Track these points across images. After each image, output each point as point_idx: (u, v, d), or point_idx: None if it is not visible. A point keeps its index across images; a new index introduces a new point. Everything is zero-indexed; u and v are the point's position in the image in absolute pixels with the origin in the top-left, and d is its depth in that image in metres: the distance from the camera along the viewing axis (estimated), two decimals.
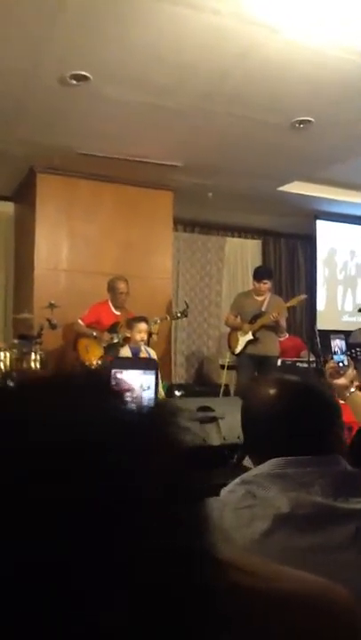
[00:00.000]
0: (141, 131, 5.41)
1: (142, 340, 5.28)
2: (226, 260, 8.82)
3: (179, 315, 5.98)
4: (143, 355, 5.36)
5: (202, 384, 8.05)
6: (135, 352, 5.23)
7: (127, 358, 5.04)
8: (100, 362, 5.66)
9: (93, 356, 5.71)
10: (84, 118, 5.16)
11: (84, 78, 4.37)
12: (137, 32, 3.82)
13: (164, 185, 6.81)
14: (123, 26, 3.75)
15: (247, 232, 8.95)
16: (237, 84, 4.53)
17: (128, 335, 5.59)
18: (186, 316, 6.04)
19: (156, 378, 0.92)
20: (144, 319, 5.39)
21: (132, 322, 5.51)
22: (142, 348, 5.42)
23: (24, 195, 6.87)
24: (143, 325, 5.31)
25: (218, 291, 8.76)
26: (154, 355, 5.39)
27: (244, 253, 8.94)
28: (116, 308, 5.94)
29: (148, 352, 5.35)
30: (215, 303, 8.73)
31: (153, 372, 0.94)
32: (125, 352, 5.29)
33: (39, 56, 4.14)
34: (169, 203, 6.98)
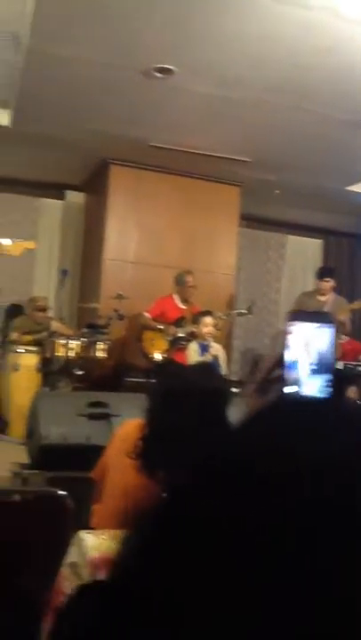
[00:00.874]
0: (215, 124, 5.41)
1: (208, 334, 5.27)
2: (287, 258, 8.74)
3: (245, 311, 5.97)
4: (213, 351, 5.32)
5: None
6: (203, 347, 5.22)
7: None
8: (164, 355, 5.71)
9: (158, 349, 5.75)
10: (160, 111, 5.19)
11: (169, 72, 4.40)
12: (225, 25, 3.81)
13: (232, 180, 6.79)
14: (212, 19, 3.75)
15: (309, 231, 8.85)
16: (317, 80, 4.47)
17: (194, 330, 5.61)
18: (251, 313, 6.02)
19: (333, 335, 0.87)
20: (210, 313, 5.39)
21: (197, 316, 5.53)
22: (211, 343, 5.40)
23: (95, 185, 6.96)
24: (209, 319, 5.31)
25: (277, 288, 8.70)
26: (222, 351, 5.38)
27: (305, 252, 8.84)
28: (183, 301, 5.96)
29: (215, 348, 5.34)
30: (273, 301, 8.67)
31: (330, 325, 0.90)
32: (193, 348, 5.29)
33: (128, 49, 4.19)
34: (236, 198, 6.96)
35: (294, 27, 3.82)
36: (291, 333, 0.77)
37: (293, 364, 0.77)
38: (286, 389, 0.77)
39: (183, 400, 1.82)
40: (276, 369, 0.79)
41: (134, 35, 3.99)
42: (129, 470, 1.94)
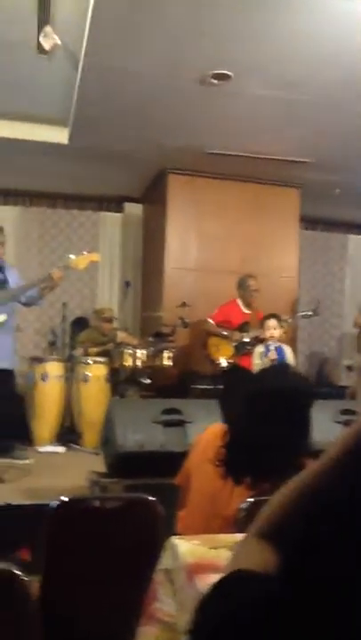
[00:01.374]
0: (273, 127, 5.37)
1: (272, 337, 5.22)
2: (349, 259, 8.57)
3: (310, 313, 5.87)
4: (271, 355, 5.26)
5: (324, 385, 7.87)
6: (268, 350, 5.16)
7: None
8: (230, 361, 5.69)
9: (224, 355, 5.73)
10: (217, 117, 5.19)
11: (226, 77, 4.39)
12: (279, 25, 3.76)
13: (291, 182, 6.72)
14: (266, 19, 3.71)
15: None
16: None
17: (258, 335, 5.57)
18: (317, 314, 5.91)
19: None
20: (274, 316, 5.34)
21: (263, 320, 5.49)
22: (272, 347, 5.34)
23: (154, 196, 7.04)
24: (272, 322, 5.26)
25: (340, 289, 8.53)
26: (290, 353, 5.31)
27: None
28: (246, 306, 5.92)
29: (283, 350, 5.26)
30: (338, 302, 8.51)
31: None
32: (258, 352, 5.26)
33: (182, 59, 4.21)
34: (296, 200, 6.88)
35: (352, 22, 3.75)
36: None
37: None
38: None
39: (265, 403, 1.80)
40: None
41: (188, 42, 4.00)
42: (213, 476, 1.93)
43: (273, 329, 5.27)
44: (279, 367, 2.05)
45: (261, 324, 5.47)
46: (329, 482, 0.47)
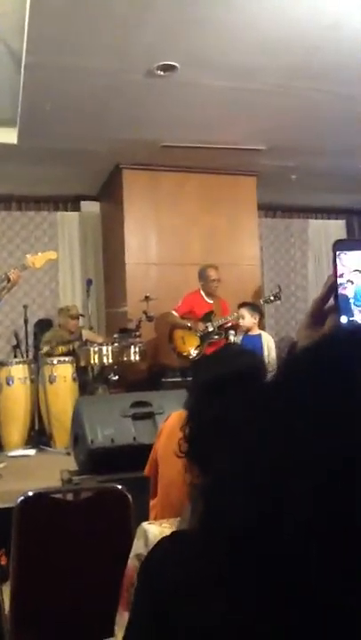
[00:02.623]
0: (225, 116, 5.38)
1: (243, 327, 5.24)
2: (310, 243, 8.66)
3: (272, 298, 5.90)
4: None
5: None
6: (248, 340, 5.16)
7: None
8: (197, 351, 5.70)
9: (190, 346, 5.74)
10: (168, 109, 5.18)
11: (172, 68, 4.39)
12: (222, 14, 3.78)
13: (247, 170, 6.76)
14: (209, 8, 3.72)
15: (330, 213, 8.76)
16: (326, 59, 4.41)
17: (223, 323, 5.61)
18: (280, 299, 5.95)
19: None
20: (243, 304, 5.36)
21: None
22: (232, 337, 5.36)
23: (110, 192, 6.99)
24: (241, 311, 5.28)
25: (304, 274, 8.62)
26: (271, 341, 5.32)
27: (328, 235, 8.74)
28: (208, 296, 5.94)
29: (254, 340, 5.27)
30: (302, 287, 8.59)
31: None
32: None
33: (126, 52, 4.18)
34: (252, 188, 6.92)
35: (295, 7, 3.77)
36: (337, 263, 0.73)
37: (345, 296, 0.74)
38: (341, 320, 0.74)
39: (217, 386, 1.79)
40: (328, 299, 0.75)
41: (130, 36, 3.98)
42: (179, 463, 1.93)
43: (241, 318, 5.28)
44: (226, 349, 2.04)
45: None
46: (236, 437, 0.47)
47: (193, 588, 0.41)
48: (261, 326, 5.85)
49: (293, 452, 0.38)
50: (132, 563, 1.56)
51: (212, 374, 1.87)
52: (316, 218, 8.75)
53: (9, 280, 4.42)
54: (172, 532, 0.60)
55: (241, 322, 5.17)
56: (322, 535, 0.35)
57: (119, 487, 1.66)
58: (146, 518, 1.97)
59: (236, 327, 5.37)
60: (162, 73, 4.46)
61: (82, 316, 6.17)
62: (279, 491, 0.36)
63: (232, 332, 5.23)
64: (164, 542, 0.51)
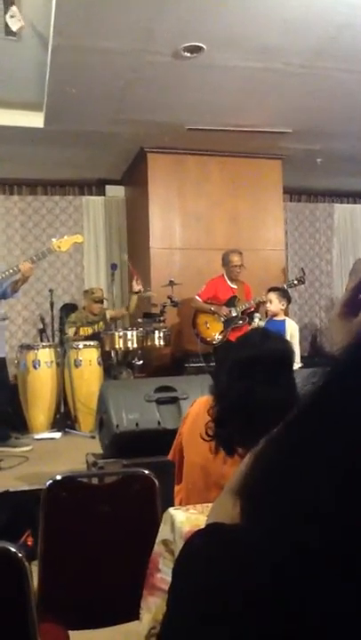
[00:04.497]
0: (251, 99, 5.31)
1: (271, 311, 5.19)
2: (336, 228, 8.56)
3: (295, 282, 5.84)
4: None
5: (317, 355, 7.90)
6: (273, 325, 5.11)
7: None
8: (220, 336, 5.69)
9: (214, 331, 5.73)
10: (194, 92, 5.13)
11: (198, 49, 4.33)
12: None
13: (273, 154, 6.67)
14: None
15: (357, 197, 8.63)
16: (354, 39, 4.31)
17: (247, 308, 5.58)
18: (303, 282, 5.88)
19: None
20: (271, 289, 5.30)
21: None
22: (256, 321, 5.30)
23: (134, 176, 6.97)
24: (269, 295, 5.23)
25: (328, 259, 8.53)
26: (295, 328, 5.26)
27: (355, 219, 8.63)
28: (232, 281, 5.91)
29: (278, 324, 5.22)
30: (326, 272, 8.51)
31: None
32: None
33: (153, 33, 4.14)
34: (278, 172, 6.84)
35: None
36: None
37: None
38: None
39: (247, 368, 1.78)
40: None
41: (157, 16, 3.93)
42: (205, 448, 1.93)
43: (268, 302, 5.22)
44: (255, 333, 2.03)
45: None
46: (281, 437, 0.47)
47: (246, 584, 0.41)
48: (285, 312, 5.81)
49: None
50: (158, 548, 1.57)
51: (242, 356, 1.87)
52: (341, 202, 8.63)
53: (20, 271, 4.45)
54: (211, 526, 0.60)
55: (268, 306, 5.13)
56: None
57: (146, 472, 1.67)
58: (168, 502, 1.98)
59: (260, 311, 5.32)
60: (188, 54, 4.41)
61: (105, 299, 6.20)
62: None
63: (258, 315, 5.19)
64: (203, 536, 0.51)
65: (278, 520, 0.40)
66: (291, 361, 1.79)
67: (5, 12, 3.94)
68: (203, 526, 0.58)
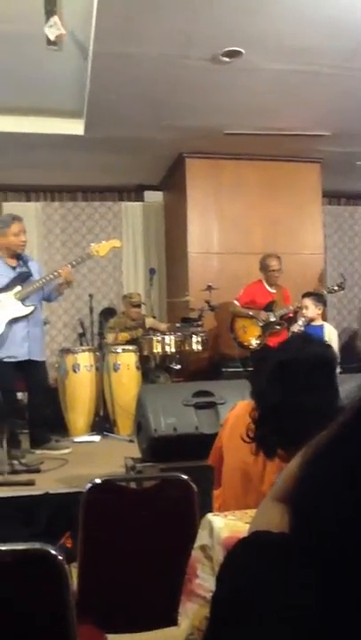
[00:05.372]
0: (289, 102, 5.28)
1: (307, 317, 5.14)
2: None
3: (336, 288, 5.77)
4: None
5: (355, 360, 7.76)
6: (311, 330, 5.06)
7: None
8: (258, 341, 5.65)
9: (251, 336, 5.70)
10: (232, 96, 5.13)
11: (237, 54, 4.33)
12: None
13: (311, 157, 6.62)
14: None
15: None
16: None
17: (285, 313, 5.55)
18: (343, 288, 5.81)
19: None
20: (307, 294, 5.26)
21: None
22: (297, 328, 5.25)
23: (173, 182, 7.01)
24: (305, 301, 5.18)
25: None
26: (334, 332, 5.20)
27: None
28: (270, 285, 5.87)
29: (317, 329, 5.16)
30: None
31: None
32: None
33: (192, 39, 4.16)
34: (316, 175, 6.78)
35: None
36: None
37: None
38: None
39: (290, 372, 1.77)
40: None
41: (196, 21, 3.95)
42: (245, 452, 1.92)
43: (304, 308, 5.17)
44: (297, 337, 2.01)
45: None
46: (334, 447, 0.46)
47: (289, 591, 0.41)
48: (323, 317, 5.74)
49: None
50: (197, 553, 1.57)
51: (283, 358, 1.86)
52: None
53: (60, 276, 4.55)
54: (257, 534, 0.60)
55: (305, 312, 5.07)
56: None
57: (184, 477, 1.67)
58: (206, 506, 1.98)
59: (298, 317, 5.28)
60: (227, 59, 4.42)
61: (143, 304, 6.24)
62: None
63: (300, 322, 5.14)
64: (249, 544, 0.51)
65: (336, 531, 0.40)
66: (333, 365, 1.77)
67: (46, 22, 4.01)
68: (244, 534, 0.57)
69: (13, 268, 4.58)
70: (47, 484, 3.53)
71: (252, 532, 0.60)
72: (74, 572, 1.63)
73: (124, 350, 5.57)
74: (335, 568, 0.38)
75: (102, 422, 5.44)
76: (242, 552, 0.51)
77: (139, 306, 6.14)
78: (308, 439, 0.51)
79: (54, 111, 5.58)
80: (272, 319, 5.62)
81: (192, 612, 1.48)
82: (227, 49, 4.27)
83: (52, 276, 4.58)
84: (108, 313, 6.99)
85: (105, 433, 5.33)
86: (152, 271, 6.41)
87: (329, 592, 0.38)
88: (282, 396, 1.70)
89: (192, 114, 5.45)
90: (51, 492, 3.31)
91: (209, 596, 1.54)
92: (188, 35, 4.12)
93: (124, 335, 5.87)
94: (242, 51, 4.30)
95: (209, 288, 5.75)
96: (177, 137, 5.98)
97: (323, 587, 0.39)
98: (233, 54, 4.34)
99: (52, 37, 4.01)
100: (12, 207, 7.11)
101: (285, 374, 1.71)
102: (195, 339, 5.51)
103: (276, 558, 0.45)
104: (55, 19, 3.97)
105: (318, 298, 5.19)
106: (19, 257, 4.60)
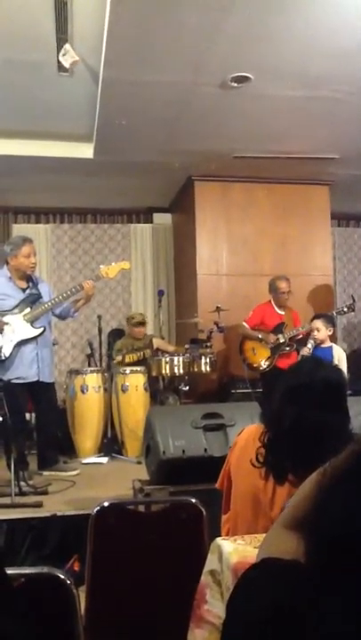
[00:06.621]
0: (298, 126, 5.33)
1: (318, 338, 5.12)
2: None
3: (345, 310, 5.76)
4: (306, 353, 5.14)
5: None
6: (320, 352, 5.03)
7: None
8: (267, 363, 5.64)
9: (261, 358, 5.69)
10: (241, 120, 5.19)
11: (246, 79, 4.39)
12: (294, 22, 3.74)
13: (320, 179, 6.66)
14: (280, 19, 3.70)
15: None
16: None
17: (294, 335, 5.54)
18: (353, 310, 5.81)
19: None
20: (317, 316, 5.25)
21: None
22: (306, 349, 5.23)
23: (182, 204, 7.07)
24: (315, 323, 5.17)
25: None
26: (343, 354, 5.18)
27: None
28: (280, 307, 5.87)
29: (326, 351, 5.14)
30: None
31: None
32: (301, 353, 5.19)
33: (201, 65, 4.22)
34: (325, 197, 6.82)
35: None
36: None
37: None
38: None
39: (300, 396, 1.77)
40: None
41: (205, 48, 4.01)
42: (254, 477, 1.91)
43: (316, 330, 5.15)
44: (308, 360, 2.02)
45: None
46: (354, 471, 0.46)
47: (322, 620, 0.40)
48: (333, 338, 5.72)
49: None
50: (206, 578, 1.55)
51: (294, 383, 1.86)
52: None
53: (83, 289, 4.57)
54: (268, 560, 0.59)
55: (316, 334, 5.06)
56: None
57: (193, 501, 1.66)
58: (215, 531, 1.96)
59: (308, 339, 5.25)
60: (236, 85, 4.48)
61: (145, 322, 6.22)
62: None
63: (309, 345, 5.11)
64: (261, 570, 0.51)
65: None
66: (343, 389, 1.77)
67: (58, 51, 4.10)
68: (254, 559, 0.57)
69: (23, 289, 4.61)
70: (55, 506, 3.52)
71: (265, 559, 0.60)
72: (81, 595, 1.61)
73: (132, 371, 5.57)
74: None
75: (110, 444, 5.42)
76: (257, 578, 0.51)
77: (142, 324, 6.14)
78: (320, 463, 0.51)
79: (64, 135, 5.67)
80: (281, 341, 5.62)
81: (202, 639, 1.46)
82: (235, 74, 4.33)
83: (73, 290, 4.63)
84: (117, 334, 7.01)
85: (113, 455, 5.31)
86: (161, 292, 6.44)
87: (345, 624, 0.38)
88: (294, 420, 1.70)
89: (201, 138, 5.52)
90: (58, 514, 3.29)
91: (218, 622, 1.53)
92: (197, 61, 4.18)
93: (132, 356, 5.87)
94: (250, 77, 4.36)
95: (218, 309, 5.76)
96: (186, 160, 6.05)
97: (356, 616, 0.39)
98: (242, 80, 4.40)
99: (66, 65, 4.09)
100: (22, 229, 7.19)
101: (298, 398, 1.71)
102: (203, 360, 5.51)
103: (294, 585, 0.45)
104: (67, 46, 4.05)
105: (329, 319, 5.18)
106: (29, 278, 4.63)
